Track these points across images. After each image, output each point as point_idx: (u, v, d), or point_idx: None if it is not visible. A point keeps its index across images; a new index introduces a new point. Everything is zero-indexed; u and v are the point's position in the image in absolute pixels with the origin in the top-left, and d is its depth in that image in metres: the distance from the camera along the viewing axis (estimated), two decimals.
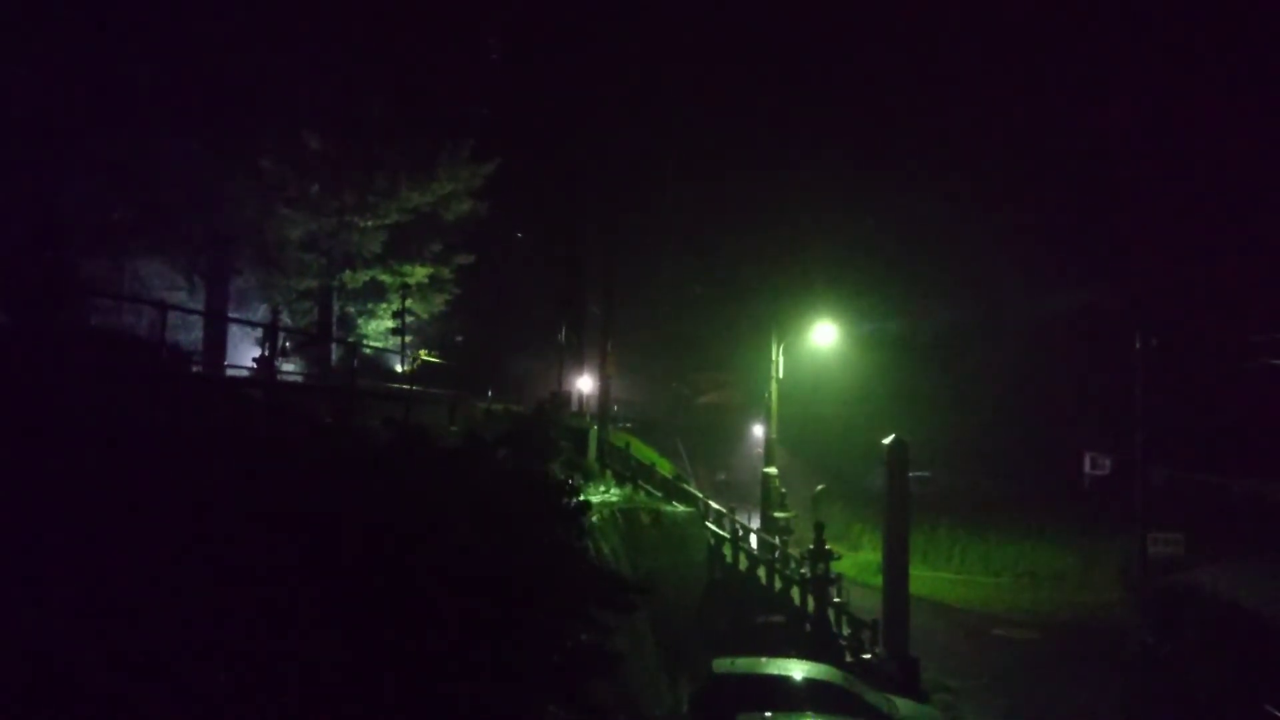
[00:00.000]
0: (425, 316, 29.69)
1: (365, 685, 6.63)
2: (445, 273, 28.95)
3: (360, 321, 28.31)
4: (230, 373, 22.66)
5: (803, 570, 24.00)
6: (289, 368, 25.78)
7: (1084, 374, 44.41)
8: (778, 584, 24.46)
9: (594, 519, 15.72)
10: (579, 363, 45.37)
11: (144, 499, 6.91)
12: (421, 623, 7.11)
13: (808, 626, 22.76)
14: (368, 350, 27.54)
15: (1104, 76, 52.56)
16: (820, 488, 31.28)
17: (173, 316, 19.36)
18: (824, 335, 30.86)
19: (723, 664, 16.54)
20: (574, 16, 41.59)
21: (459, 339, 33.79)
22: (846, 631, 22.64)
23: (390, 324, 28.71)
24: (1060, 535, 36.52)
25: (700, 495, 28.05)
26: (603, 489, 22.63)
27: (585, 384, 45.53)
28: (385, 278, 27.36)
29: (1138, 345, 27.29)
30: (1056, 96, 53.92)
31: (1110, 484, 40.22)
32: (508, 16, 37.26)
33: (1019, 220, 51.72)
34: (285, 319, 26.68)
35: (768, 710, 15.43)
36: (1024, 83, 55.18)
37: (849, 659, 21.18)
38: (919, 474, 35.05)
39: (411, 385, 23.75)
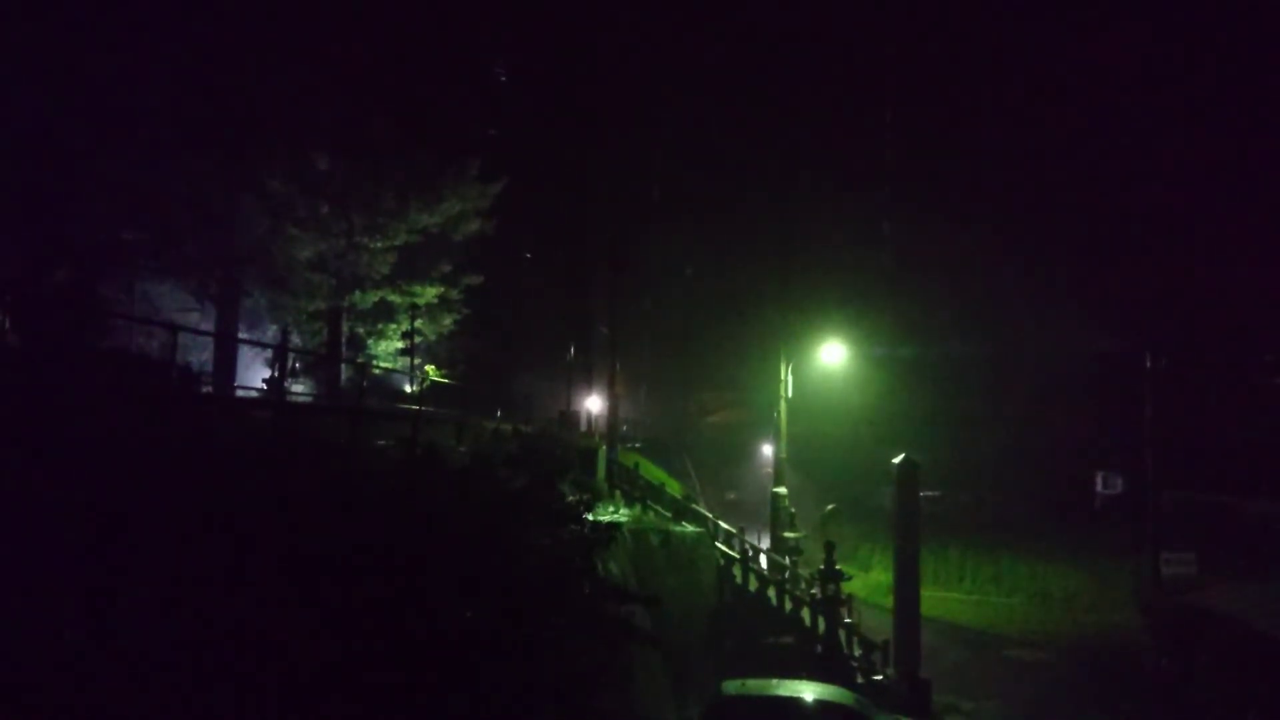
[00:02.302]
0: (434, 337, 29.73)
1: (376, 697, 6.62)
2: (454, 293, 28.96)
3: (369, 342, 28.35)
4: (240, 393, 22.72)
5: (813, 591, 23.86)
6: (298, 388, 25.81)
7: (1095, 394, 44.22)
8: (788, 605, 24.33)
9: None
10: (587, 382, 45.38)
11: (150, 515, 6.91)
12: (431, 637, 7.11)
13: (818, 648, 22.60)
14: (377, 371, 27.56)
15: (1118, 105, 52.67)
16: (830, 508, 31.12)
17: (183, 338, 19.48)
18: (833, 354, 30.80)
19: (732, 685, 16.39)
20: (582, 36, 41.84)
21: (466, 359, 33.81)
22: (857, 653, 22.50)
23: (399, 344, 28.73)
24: (1072, 555, 36.20)
25: (709, 515, 27.90)
26: (612, 509, 22.58)
27: (593, 403, 45.48)
28: (394, 298, 27.40)
29: (1148, 365, 27.19)
30: (1068, 119, 54.00)
31: (1122, 504, 40.06)
32: (514, 36, 37.49)
33: (1030, 240, 51.73)
34: (295, 340, 26.73)
35: None
36: (1032, 103, 55.29)
37: (860, 680, 21.03)
38: (930, 493, 34.87)
39: (420, 405, 23.81)
